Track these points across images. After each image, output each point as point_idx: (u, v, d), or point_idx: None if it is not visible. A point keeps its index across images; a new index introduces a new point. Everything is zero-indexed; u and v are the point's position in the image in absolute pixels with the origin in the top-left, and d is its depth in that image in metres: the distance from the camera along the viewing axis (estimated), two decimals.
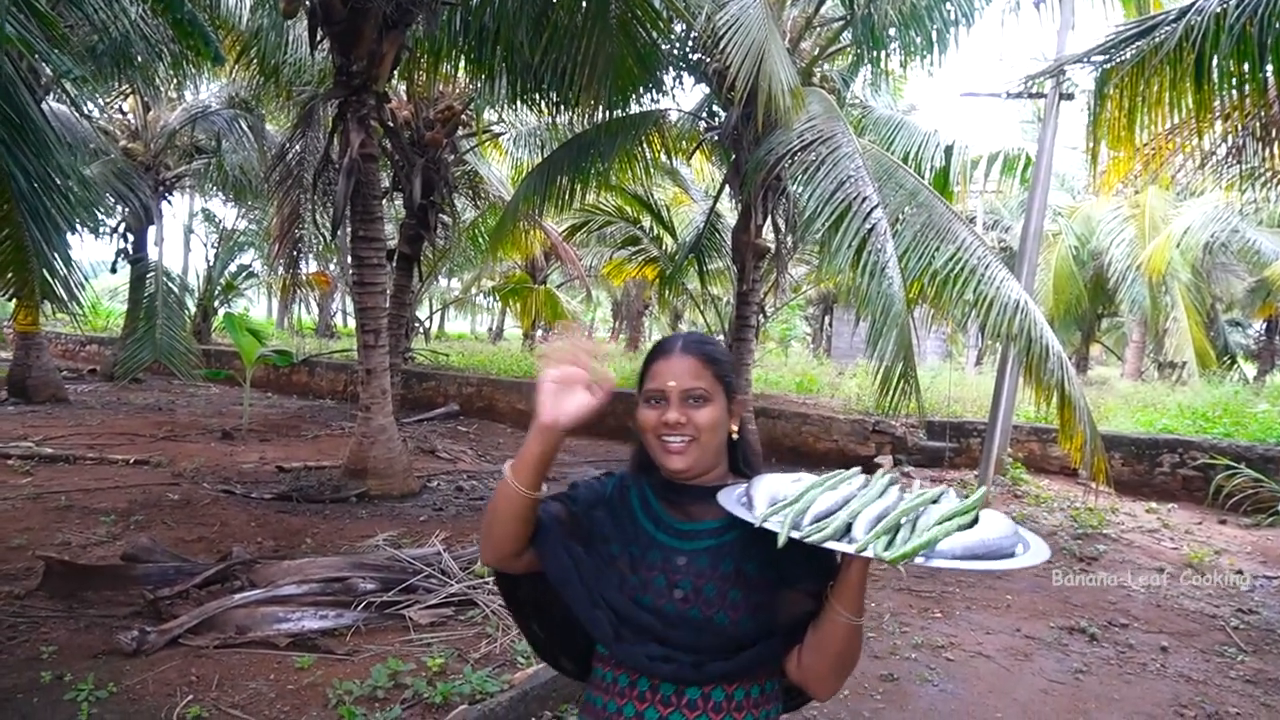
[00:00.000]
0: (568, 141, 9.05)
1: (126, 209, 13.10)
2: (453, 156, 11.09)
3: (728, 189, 9.67)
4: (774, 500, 1.23)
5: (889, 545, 1.08)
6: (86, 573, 4.17)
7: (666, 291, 12.83)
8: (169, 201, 15.01)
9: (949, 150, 8.81)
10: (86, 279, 6.08)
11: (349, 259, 7.95)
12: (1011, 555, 1.13)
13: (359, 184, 6.69)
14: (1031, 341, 6.29)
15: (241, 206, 18.01)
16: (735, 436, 1.43)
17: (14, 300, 6.21)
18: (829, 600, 1.21)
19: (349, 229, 7.16)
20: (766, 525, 1.15)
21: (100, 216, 13.26)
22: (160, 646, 3.50)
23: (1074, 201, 19.54)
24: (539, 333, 21.04)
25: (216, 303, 17.03)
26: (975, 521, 1.17)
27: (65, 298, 5.11)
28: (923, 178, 8.01)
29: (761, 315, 11.32)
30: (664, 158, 9.99)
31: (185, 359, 11.50)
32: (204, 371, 12.16)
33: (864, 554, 1.07)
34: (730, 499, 1.28)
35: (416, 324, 16.76)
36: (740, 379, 8.74)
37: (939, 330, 19.52)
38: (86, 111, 12.92)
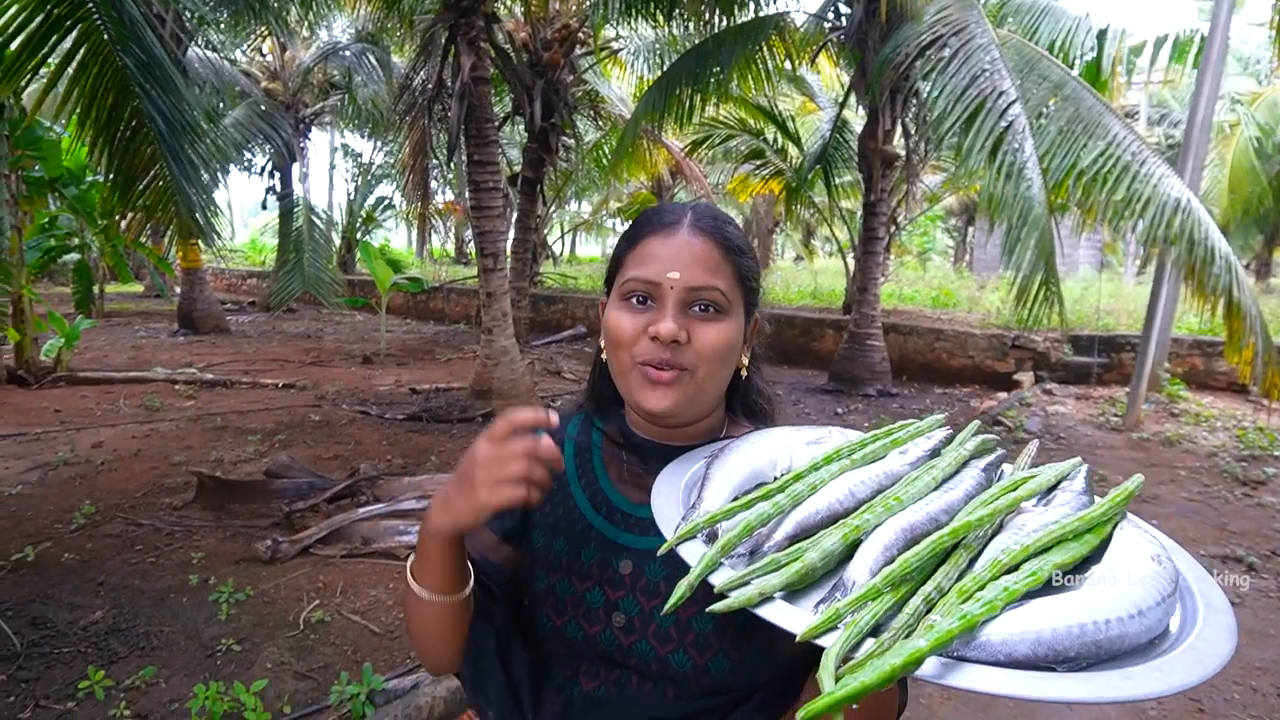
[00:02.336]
0: (686, 53, 8.77)
1: (271, 148, 13.80)
2: (572, 77, 10.97)
3: (854, 94, 9.14)
4: (749, 483, 0.79)
5: (896, 606, 0.60)
6: (233, 487, 4.50)
7: (794, 205, 12.41)
8: (309, 139, 15.70)
9: (1101, 35, 7.94)
10: (219, 213, 6.42)
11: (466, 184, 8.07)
12: (1151, 645, 0.59)
13: (472, 108, 6.72)
14: (1194, 244, 5.70)
15: (377, 140, 18.65)
16: (745, 373, 0.98)
17: (165, 237, 6.69)
18: None
19: (465, 154, 7.24)
20: (681, 552, 0.72)
21: (249, 156, 14.08)
22: (292, 555, 3.75)
23: (1259, 87, 17.35)
24: None
25: (359, 234, 17.83)
26: (1105, 545, 0.67)
27: (205, 232, 5.44)
28: (1071, 68, 7.28)
29: (893, 227, 10.79)
30: (787, 64, 9.50)
31: (331, 289, 12.21)
32: (344, 300, 12.83)
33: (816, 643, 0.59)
34: (670, 480, 0.84)
35: (544, 248, 17.00)
36: (868, 294, 8.53)
37: (1092, 237, 18.09)
38: (231, 57, 13.60)
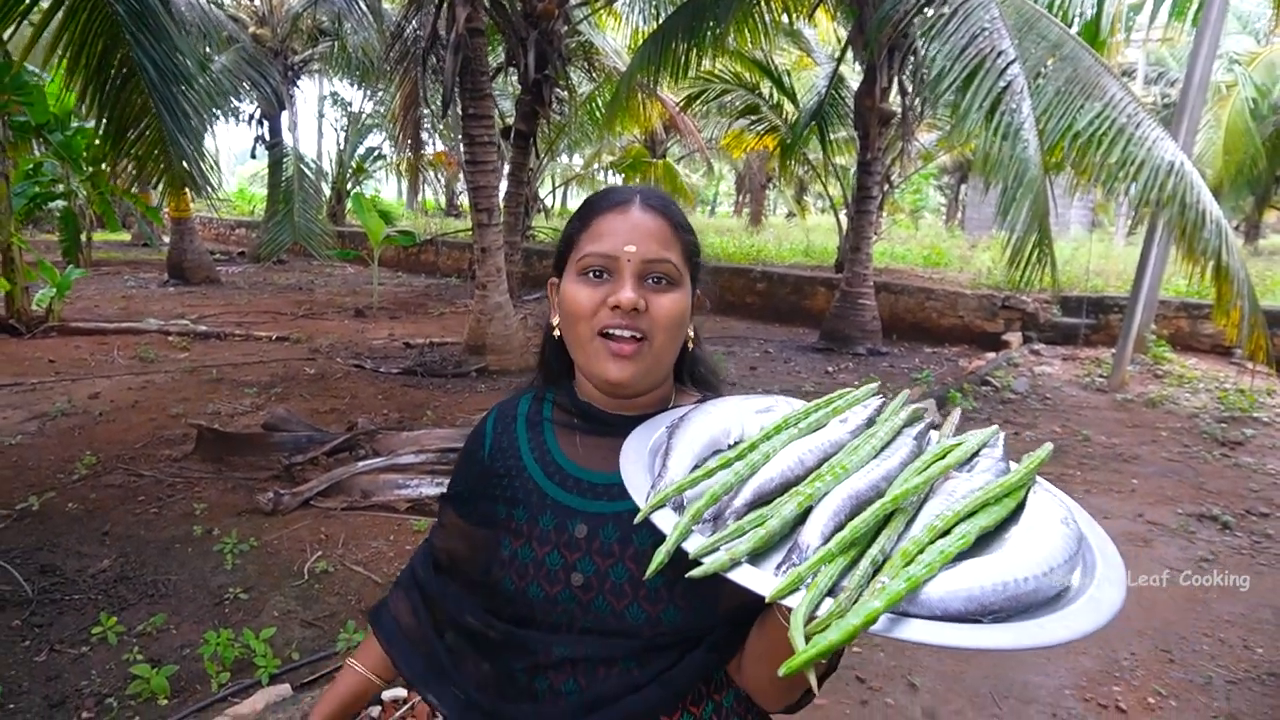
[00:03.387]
0: (682, 5, 8.65)
1: (260, 95, 13.58)
2: (566, 27, 10.80)
3: (851, 50, 9.07)
4: (706, 451, 0.85)
5: (847, 568, 0.66)
6: (232, 439, 4.56)
7: (788, 161, 12.36)
8: (298, 87, 15.45)
9: None
10: (215, 165, 6.37)
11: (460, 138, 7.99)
12: (1058, 597, 0.67)
13: (467, 60, 6.65)
14: (1185, 207, 5.73)
15: (367, 89, 18.35)
16: (692, 345, 1.05)
17: (158, 187, 6.64)
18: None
19: (459, 107, 7.17)
20: (655, 520, 0.76)
21: (237, 104, 13.85)
22: (294, 507, 3.82)
23: (1258, 46, 17.21)
24: None
25: (349, 185, 17.64)
26: (1021, 508, 0.75)
27: (198, 183, 5.39)
28: (1070, 27, 7.23)
29: (887, 185, 10.78)
30: (784, 18, 9.40)
31: (321, 240, 12.13)
32: (335, 252, 12.76)
33: (785, 604, 0.66)
34: (636, 448, 0.89)
35: (537, 202, 16.88)
36: (860, 253, 8.57)
37: (1084, 198, 18.09)
38: (218, 0, 13.30)
